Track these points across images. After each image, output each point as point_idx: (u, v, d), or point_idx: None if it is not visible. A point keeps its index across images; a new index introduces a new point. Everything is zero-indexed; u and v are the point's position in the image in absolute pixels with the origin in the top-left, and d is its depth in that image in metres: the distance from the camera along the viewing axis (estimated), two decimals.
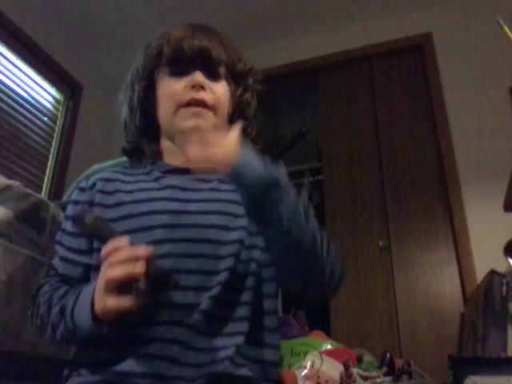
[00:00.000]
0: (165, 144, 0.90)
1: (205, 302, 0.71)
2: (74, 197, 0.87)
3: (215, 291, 0.72)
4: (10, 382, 1.01)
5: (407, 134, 2.68)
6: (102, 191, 0.83)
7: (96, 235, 0.71)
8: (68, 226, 0.84)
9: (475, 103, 2.57)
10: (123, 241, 0.65)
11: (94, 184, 0.85)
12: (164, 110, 0.87)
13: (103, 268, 0.65)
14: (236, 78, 0.91)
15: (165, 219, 0.77)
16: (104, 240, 0.67)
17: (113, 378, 0.67)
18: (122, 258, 0.63)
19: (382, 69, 2.91)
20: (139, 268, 0.62)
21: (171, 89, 0.85)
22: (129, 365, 0.67)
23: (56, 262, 0.82)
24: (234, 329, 0.72)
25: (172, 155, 0.89)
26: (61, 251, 0.82)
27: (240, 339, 0.71)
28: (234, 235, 0.77)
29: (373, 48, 2.92)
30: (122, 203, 0.80)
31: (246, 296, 0.75)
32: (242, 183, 0.68)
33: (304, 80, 3.19)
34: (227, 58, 0.89)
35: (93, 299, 0.67)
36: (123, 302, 0.64)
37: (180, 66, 0.86)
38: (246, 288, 0.76)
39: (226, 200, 0.81)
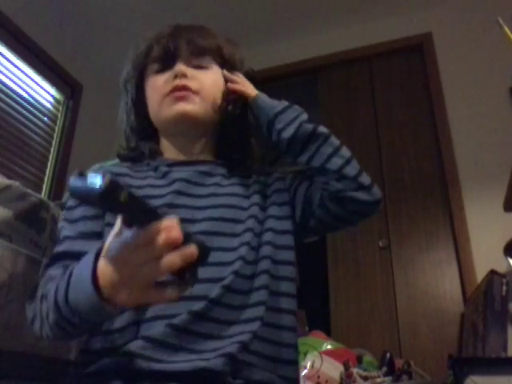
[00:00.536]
0: (163, 142, 0.92)
1: (216, 290, 0.71)
2: None
3: (228, 281, 0.73)
4: (10, 381, 1.01)
5: (407, 134, 2.68)
6: None
7: (130, 216, 0.52)
8: (76, 213, 0.79)
9: (475, 103, 2.57)
10: (173, 222, 0.51)
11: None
12: (152, 104, 0.89)
13: (140, 254, 0.52)
14: (227, 68, 0.93)
15: (181, 213, 0.73)
16: (142, 222, 0.52)
17: (125, 360, 0.65)
18: (174, 242, 0.51)
19: (382, 69, 2.91)
20: (193, 251, 0.51)
21: (157, 83, 0.88)
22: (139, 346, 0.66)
23: (64, 244, 0.76)
24: (249, 315, 0.73)
25: (172, 152, 0.90)
26: (69, 230, 0.77)
27: (256, 325, 0.71)
28: (244, 226, 0.80)
29: (373, 48, 2.92)
30: None
31: (260, 280, 0.76)
32: (263, 105, 0.87)
33: (304, 80, 3.19)
34: (213, 47, 0.91)
35: (96, 283, 0.56)
36: (170, 293, 0.53)
37: (165, 61, 0.88)
38: (261, 273, 0.77)
39: (231, 194, 0.84)
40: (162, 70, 0.88)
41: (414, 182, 2.56)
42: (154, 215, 0.52)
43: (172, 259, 0.51)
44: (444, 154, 2.54)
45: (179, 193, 0.81)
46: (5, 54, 2.57)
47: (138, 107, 0.92)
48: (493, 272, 1.80)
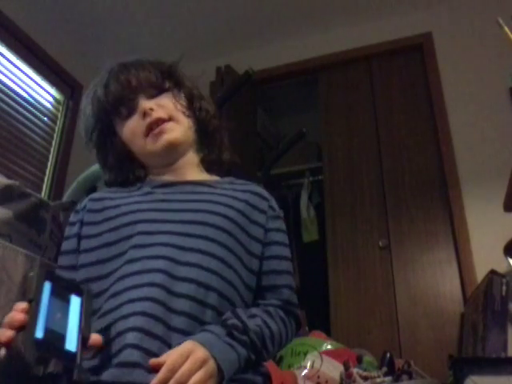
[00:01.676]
0: (150, 168, 0.96)
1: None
2: (70, 218, 0.93)
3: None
4: (10, 381, 1.01)
5: (407, 134, 2.68)
6: (90, 210, 0.90)
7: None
8: (63, 246, 0.90)
9: (475, 103, 2.57)
10: (21, 306, 0.61)
11: (85, 205, 0.91)
12: (136, 148, 0.94)
13: None
14: (178, 87, 0.98)
15: (142, 227, 0.81)
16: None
17: None
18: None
19: (382, 69, 2.91)
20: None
21: (130, 130, 0.92)
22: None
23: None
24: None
25: (159, 174, 0.95)
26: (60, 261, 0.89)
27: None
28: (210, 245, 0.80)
29: (373, 48, 2.92)
30: (109, 218, 0.86)
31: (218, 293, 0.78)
32: None
33: (304, 80, 3.19)
34: (154, 74, 0.95)
35: None
36: None
37: (125, 108, 0.93)
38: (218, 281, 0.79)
39: (207, 211, 0.84)
40: (128, 115, 0.93)
41: (413, 182, 2.56)
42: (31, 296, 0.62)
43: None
44: (444, 154, 2.54)
45: (149, 210, 0.85)
46: (5, 54, 2.58)
47: (112, 147, 0.95)
48: (493, 272, 1.80)
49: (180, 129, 0.92)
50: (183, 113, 0.94)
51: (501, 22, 1.53)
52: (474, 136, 2.51)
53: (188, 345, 0.67)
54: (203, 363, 0.66)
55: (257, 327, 0.76)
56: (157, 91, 0.94)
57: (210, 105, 1.02)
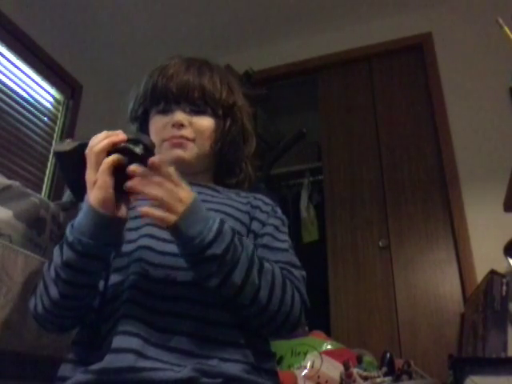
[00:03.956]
0: None
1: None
2: None
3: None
4: (10, 382, 1.01)
5: (407, 133, 2.69)
6: None
7: (79, 163, 0.69)
8: None
9: (475, 103, 2.57)
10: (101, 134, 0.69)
11: None
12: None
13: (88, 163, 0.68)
14: (224, 111, 0.96)
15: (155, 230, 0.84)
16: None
17: (97, 377, 0.68)
18: (101, 137, 0.68)
19: (382, 69, 2.91)
20: (118, 134, 0.68)
21: (157, 126, 0.94)
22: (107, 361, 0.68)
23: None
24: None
25: None
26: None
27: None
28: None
29: (373, 48, 2.92)
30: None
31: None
32: (180, 239, 0.70)
33: (304, 80, 3.19)
34: (213, 93, 0.94)
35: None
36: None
37: (164, 104, 0.93)
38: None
39: (211, 210, 0.86)
40: (163, 112, 0.93)
41: (413, 182, 2.56)
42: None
43: (99, 145, 0.68)
44: (444, 154, 2.54)
45: None
46: (5, 54, 2.58)
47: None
48: (493, 272, 1.80)
49: (196, 151, 0.92)
50: (210, 144, 0.94)
51: (501, 22, 1.53)
52: (474, 136, 2.51)
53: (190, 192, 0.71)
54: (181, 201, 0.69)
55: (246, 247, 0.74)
56: (203, 111, 0.93)
57: (249, 146, 1.03)
